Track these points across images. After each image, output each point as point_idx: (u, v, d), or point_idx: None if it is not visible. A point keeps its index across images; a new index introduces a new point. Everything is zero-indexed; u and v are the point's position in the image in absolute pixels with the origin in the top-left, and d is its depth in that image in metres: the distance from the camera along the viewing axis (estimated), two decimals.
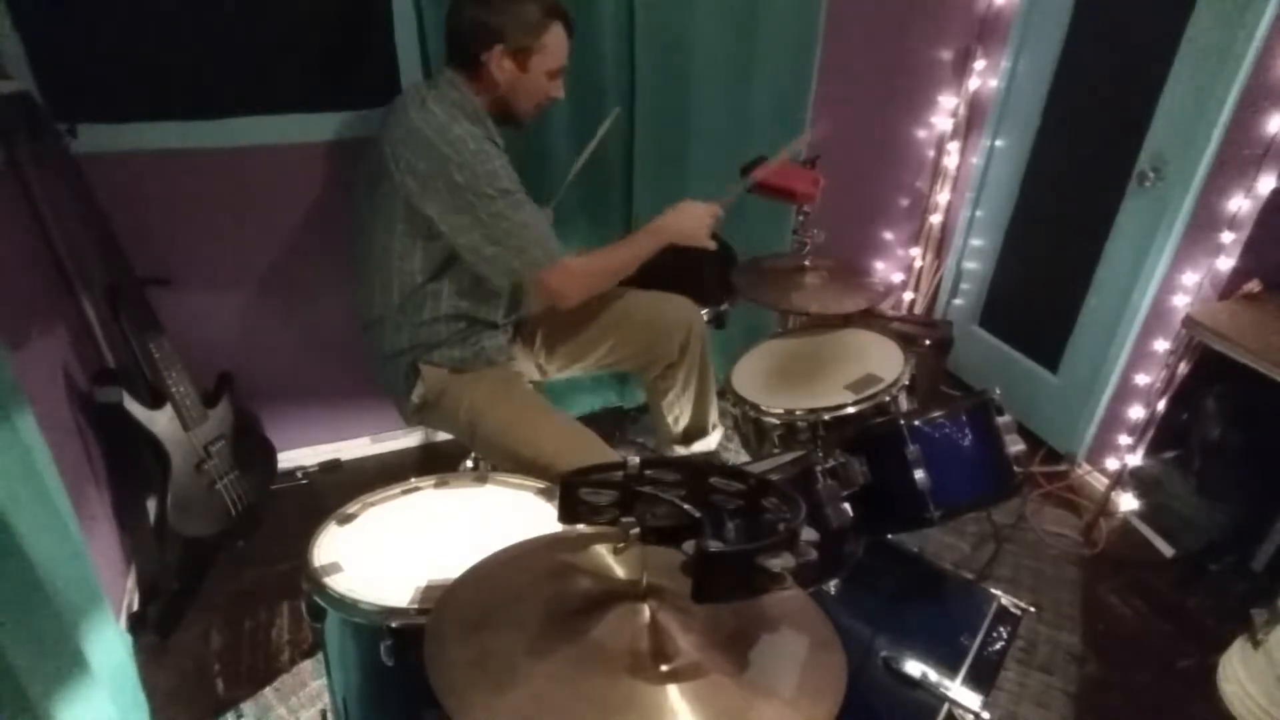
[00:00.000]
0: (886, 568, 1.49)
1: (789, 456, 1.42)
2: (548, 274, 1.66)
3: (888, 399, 1.64)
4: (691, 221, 1.81)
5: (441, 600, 0.96)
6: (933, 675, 1.24)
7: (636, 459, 0.96)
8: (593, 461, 0.98)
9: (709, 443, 2.19)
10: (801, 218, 2.01)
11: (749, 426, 1.76)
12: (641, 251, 1.80)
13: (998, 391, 1.40)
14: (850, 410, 1.62)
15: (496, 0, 1.57)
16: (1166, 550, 2.30)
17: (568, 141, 2.17)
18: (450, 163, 1.54)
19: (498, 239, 1.61)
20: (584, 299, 1.76)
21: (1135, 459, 2.28)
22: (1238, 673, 1.84)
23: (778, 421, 1.67)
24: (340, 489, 2.37)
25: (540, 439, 1.71)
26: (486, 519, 1.34)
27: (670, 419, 2.13)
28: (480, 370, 1.79)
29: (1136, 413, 2.35)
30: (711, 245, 1.86)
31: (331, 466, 2.54)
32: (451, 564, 1.05)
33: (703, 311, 2.10)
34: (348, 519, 1.33)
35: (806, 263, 1.87)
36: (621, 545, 1.02)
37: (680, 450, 2.17)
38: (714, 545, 0.80)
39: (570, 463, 1.03)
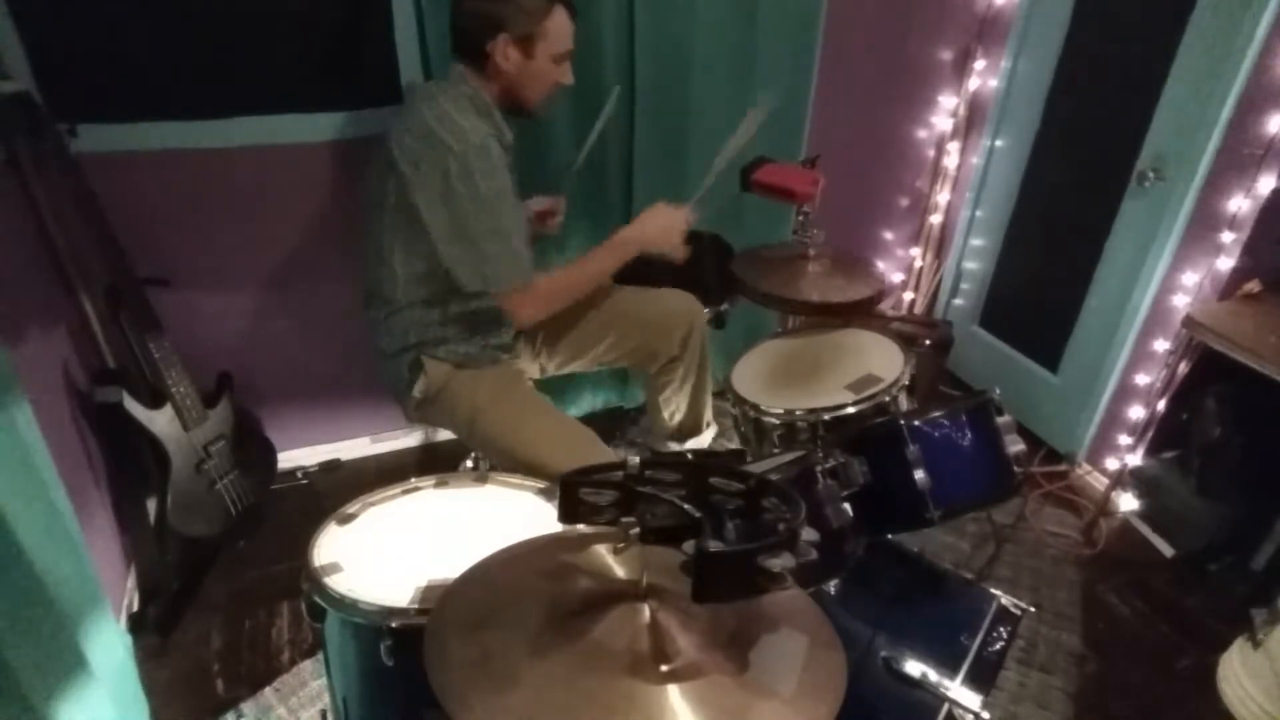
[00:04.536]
0: (886, 568, 1.49)
1: (789, 456, 1.42)
2: (512, 294, 1.66)
3: (888, 399, 1.64)
4: (660, 230, 1.78)
5: (441, 600, 0.96)
6: (933, 675, 1.24)
7: (636, 459, 0.96)
8: (591, 462, 0.98)
9: (702, 440, 2.19)
10: (801, 218, 2.01)
11: (749, 426, 1.76)
12: (607, 267, 1.77)
13: (998, 391, 1.40)
14: (850, 410, 1.62)
15: None
16: (1166, 550, 2.30)
17: (569, 136, 2.18)
18: (450, 152, 1.53)
19: (471, 238, 1.59)
20: (543, 318, 1.75)
21: (1135, 459, 2.28)
22: (1238, 673, 1.84)
23: (778, 421, 1.67)
24: (340, 489, 2.39)
25: (539, 439, 1.71)
26: (486, 519, 1.35)
27: (666, 414, 2.13)
28: (483, 368, 1.79)
29: (1136, 413, 2.35)
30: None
31: (331, 466, 2.54)
32: (451, 564, 1.05)
33: (703, 311, 2.10)
34: (348, 519, 1.33)
35: (810, 251, 1.86)
36: (621, 545, 1.02)
37: (674, 446, 2.17)
38: (714, 545, 0.80)
39: (567, 464, 1.02)
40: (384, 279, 1.71)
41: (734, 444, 2.37)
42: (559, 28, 1.63)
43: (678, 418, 2.14)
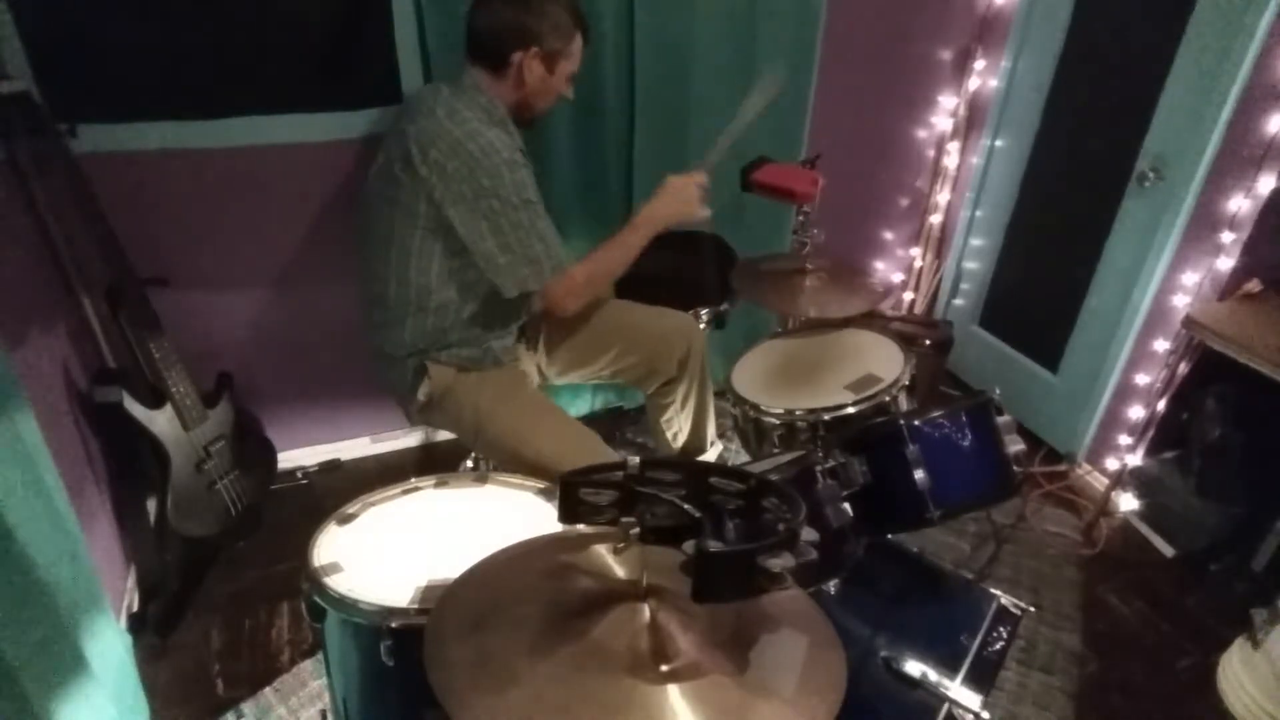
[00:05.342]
0: (886, 568, 1.49)
1: (789, 456, 1.43)
2: (554, 284, 1.69)
3: (888, 399, 1.64)
4: (678, 200, 1.79)
5: (441, 600, 0.96)
6: (933, 675, 1.24)
7: (636, 459, 0.96)
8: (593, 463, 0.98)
9: (707, 459, 2.19)
10: (801, 218, 2.01)
11: (749, 426, 1.76)
12: (633, 248, 1.77)
13: (997, 391, 1.40)
14: (850, 410, 1.62)
15: (535, 3, 1.61)
16: (1166, 550, 2.30)
17: (568, 140, 2.18)
18: (480, 167, 1.56)
19: (513, 248, 1.62)
20: (584, 305, 1.78)
21: (1135, 459, 2.28)
22: (1238, 673, 1.84)
23: (778, 421, 1.67)
24: (340, 489, 2.39)
25: (542, 441, 1.71)
26: (486, 519, 1.35)
27: (669, 434, 2.14)
28: (486, 370, 1.79)
29: (1136, 413, 2.34)
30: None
31: (331, 466, 2.54)
32: (451, 564, 1.05)
33: (703, 311, 2.10)
34: (348, 519, 1.33)
35: (806, 265, 1.87)
36: (621, 545, 1.02)
37: None
38: (714, 545, 0.80)
39: (573, 465, 1.03)
40: (395, 281, 1.70)
41: (736, 444, 2.38)
42: (578, 50, 1.70)
43: (681, 438, 2.15)
